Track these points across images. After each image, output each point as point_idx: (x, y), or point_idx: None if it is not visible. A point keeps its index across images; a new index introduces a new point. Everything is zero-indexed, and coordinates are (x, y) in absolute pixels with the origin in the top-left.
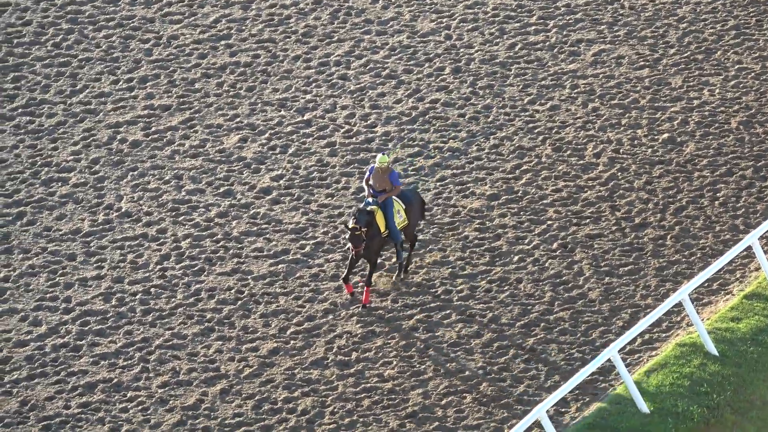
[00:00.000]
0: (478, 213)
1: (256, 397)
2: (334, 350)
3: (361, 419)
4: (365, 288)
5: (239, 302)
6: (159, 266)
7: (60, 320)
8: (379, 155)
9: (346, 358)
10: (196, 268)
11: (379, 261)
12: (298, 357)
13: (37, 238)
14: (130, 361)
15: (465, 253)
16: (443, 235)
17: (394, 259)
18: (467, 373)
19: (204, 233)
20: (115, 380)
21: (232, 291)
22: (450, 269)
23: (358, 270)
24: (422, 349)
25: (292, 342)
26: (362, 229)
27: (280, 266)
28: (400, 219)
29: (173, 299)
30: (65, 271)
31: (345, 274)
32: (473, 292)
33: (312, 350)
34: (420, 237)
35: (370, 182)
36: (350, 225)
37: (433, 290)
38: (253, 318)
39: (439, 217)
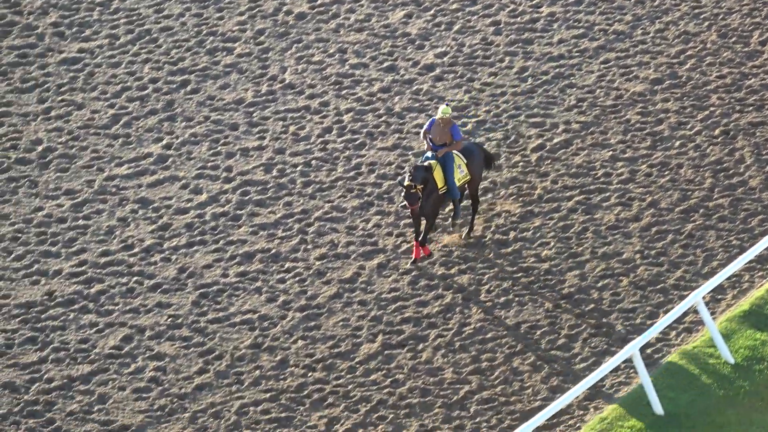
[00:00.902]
0: (641, 97)
1: (413, 273)
2: (492, 228)
3: (516, 299)
4: (415, 243)
5: (399, 178)
6: (320, 139)
7: (220, 189)
8: (442, 106)
9: (504, 237)
10: (357, 142)
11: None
12: (457, 234)
13: (201, 107)
14: (288, 233)
15: (626, 136)
16: (605, 117)
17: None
18: (624, 256)
19: (366, 108)
20: (274, 251)
21: (393, 166)
22: (611, 152)
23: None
24: (580, 231)
25: (451, 219)
26: (418, 187)
27: None
28: (461, 174)
29: (333, 172)
30: (227, 140)
31: (422, 236)
32: (633, 176)
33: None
34: (581, 119)
35: (430, 135)
36: (405, 182)
37: (593, 172)
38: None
39: (601, 99)
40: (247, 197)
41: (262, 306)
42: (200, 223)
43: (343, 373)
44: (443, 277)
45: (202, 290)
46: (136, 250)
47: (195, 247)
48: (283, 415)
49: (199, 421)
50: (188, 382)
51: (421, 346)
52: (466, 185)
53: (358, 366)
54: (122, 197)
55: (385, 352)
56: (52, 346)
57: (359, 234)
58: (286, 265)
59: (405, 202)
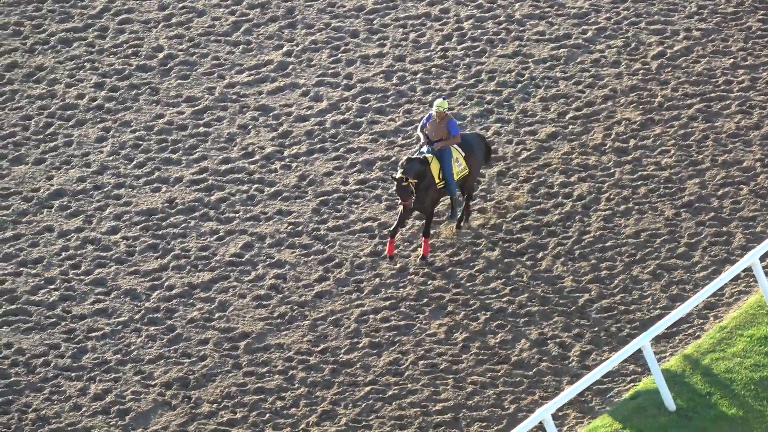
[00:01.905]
0: (762, 4)
1: (533, 181)
2: (612, 136)
3: (636, 207)
4: (423, 239)
5: (519, 85)
6: (440, 46)
7: (341, 96)
8: (438, 100)
9: (624, 145)
10: (477, 50)
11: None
12: (576, 142)
13: (321, 14)
14: (408, 140)
15: (747, 44)
16: (726, 24)
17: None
18: (745, 164)
19: (486, 14)
20: (394, 158)
21: (512, 74)
22: (731, 59)
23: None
24: (700, 139)
25: (570, 127)
26: (411, 180)
27: (561, 50)
28: (459, 168)
29: (453, 80)
30: (347, 47)
31: (392, 227)
32: (754, 83)
33: (590, 136)
34: (702, 26)
35: (426, 130)
36: (397, 175)
37: (714, 80)
38: (533, 102)
39: (722, 6)
40: (367, 105)
41: (381, 214)
42: (320, 131)
43: (462, 281)
44: (563, 185)
45: (322, 198)
46: (256, 157)
47: (315, 155)
48: (402, 323)
49: (319, 328)
50: (308, 289)
51: (540, 255)
52: (466, 179)
53: (477, 274)
54: (243, 104)
55: (505, 260)
56: (173, 253)
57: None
58: None
59: (397, 197)
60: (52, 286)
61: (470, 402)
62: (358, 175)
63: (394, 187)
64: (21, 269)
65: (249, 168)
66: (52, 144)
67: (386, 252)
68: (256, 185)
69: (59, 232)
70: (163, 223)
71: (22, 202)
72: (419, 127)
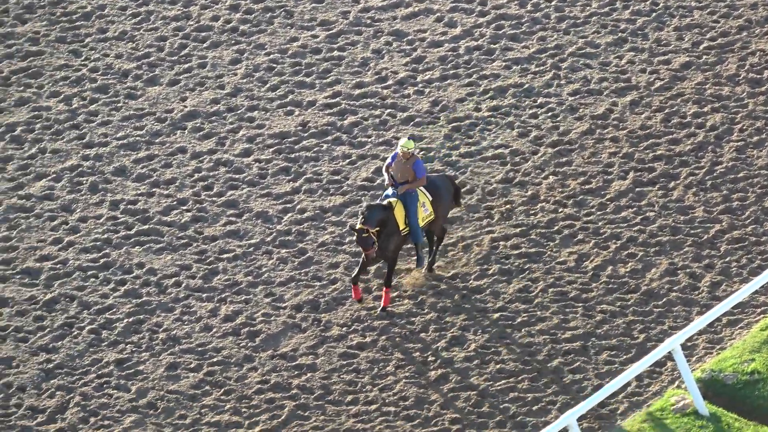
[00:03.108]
0: None
1: (665, 110)
2: (746, 67)
3: None
4: (384, 289)
5: (654, 14)
6: None
7: (474, 23)
8: (403, 139)
9: (758, 76)
10: None
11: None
12: (710, 72)
13: None
14: (542, 68)
15: None
16: None
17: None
18: None
19: None
20: (527, 85)
21: (647, 3)
22: None
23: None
24: None
25: (704, 57)
26: (371, 231)
27: None
28: (425, 213)
29: (588, 8)
30: None
31: (354, 274)
32: None
33: (724, 66)
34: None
35: (392, 171)
36: (357, 226)
37: None
38: (667, 31)
39: None
40: (500, 31)
41: (513, 141)
42: (454, 57)
43: (593, 210)
44: (695, 115)
45: (454, 124)
46: (389, 82)
47: (448, 81)
48: (532, 250)
49: (450, 254)
50: None
51: (672, 184)
52: (433, 223)
53: (608, 203)
54: (377, 29)
55: (636, 189)
56: (305, 176)
57: (612, 70)
58: (539, 100)
59: (359, 246)
60: (185, 207)
61: (599, 330)
62: (490, 101)
63: (354, 237)
64: (154, 190)
65: (382, 93)
66: (186, 65)
67: (352, 297)
68: (388, 110)
69: (192, 153)
70: (296, 147)
71: (155, 123)
72: (384, 166)
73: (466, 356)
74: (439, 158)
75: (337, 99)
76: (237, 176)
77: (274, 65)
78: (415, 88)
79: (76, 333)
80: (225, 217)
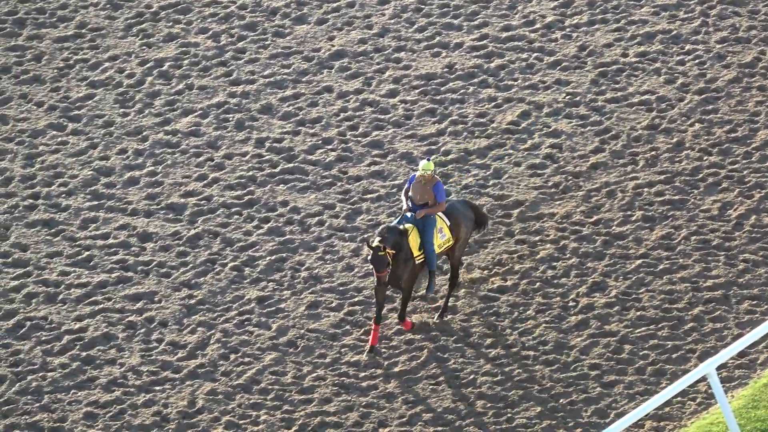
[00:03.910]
0: None
1: None
2: None
3: None
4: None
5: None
6: None
7: None
8: (423, 161)
9: None
10: None
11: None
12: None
13: None
14: (690, 14)
15: None
16: None
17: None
18: None
19: None
20: (675, 32)
21: None
22: None
23: (392, 305)
24: None
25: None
26: (387, 250)
27: None
28: (442, 239)
29: None
30: None
31: (376, 314)
32: None
33: None
34: None
35: (410, 194)
36: (373, 243)
37: None
38: None
39: None
40: None
41: (660, 87)
42: (602, 2)
43: (738, 158)
44: None
45: (601, 69)
46: (537, 26)
47: (596, 26)
48: (676, 197)
49: (593, 199)
50: (583, 160)
51: None
52: (451, 251)
53: (754, 152)
54: None
55: None
56: (450, 118)
57: (761, 19)
58: (687, 47)
59: (371, 267)
60: (330, 147)
61: (741, 280)
62: (638, 47)
63: (369, 257)
64: (299, 128)
65: (529, 36)
66: (334, 5)
67: (369, 342)
68: (535, 54)
69: (338, 92)
70: (442, 89)
71: (303, 62)
72: (403, 190)
73: (606, 302)
74: (585, 104)
75: (484, 41)
76: (382, 117)
77: (422, 6)
78: (563, 33)
79: (218, 270)
80: (369, 157)
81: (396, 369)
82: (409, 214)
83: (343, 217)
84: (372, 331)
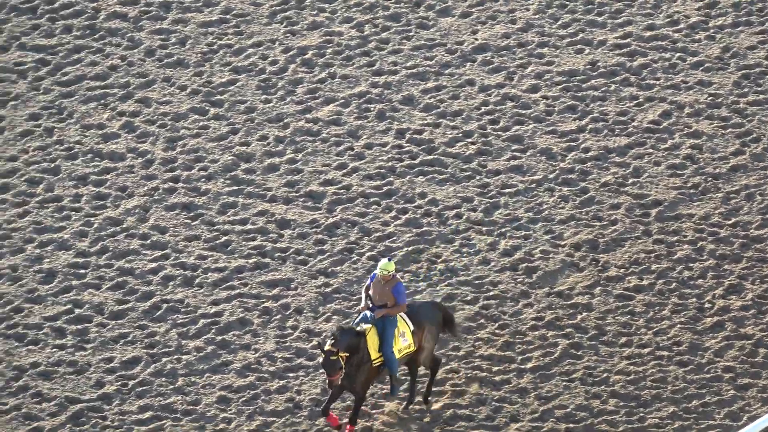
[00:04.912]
0: None
1: None
2: None
3: None
4: (348, 427)
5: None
6: None
7: None
8: (383, 260)
9: None
10: None
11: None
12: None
13: None
14: None
15: None
16: None
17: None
18: None
19: None
20: None
21: None
22: None
23: (346, 399)
24: None
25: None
26: (340, 353)
27: None
28: (403, 344)
29: None
30: None
31: (324, 404)
32: None
33: None
34: None
35: (370, 292)
36: (326, 347)
37: None
38: None
39: None
40: None
41: None
42: (747, 4)
43: None
44: None
45: (744, 71)
46: (681, 26)
47: (740, 27)
48: None
49: (732, 202)
50: (723, 162)
51: None
52: (414, 356)
53: None
54: None
55: None
56: (591, 115)
57: None
58: None
59: (323, 371)
60: (470, 140)
61: None
62: None
63: (320, 360)
64: (440, 120)
65: (673, 36)
66: None
67: (331, 425)
68: (678, 54)
69: (480, 86)
70: (584, 85)
71: (445, 54)
72: (364, 287)
73: (742, 305)
74: (726, 105)
75: (628, 40)
76: (523, 111)
77: (567, 3)
78: (706, 33)
79: (355, 259)
80: (509, 151)
81: (529, 365)
82: (368, 314)
83: (481, 210)
84: (329, 420)
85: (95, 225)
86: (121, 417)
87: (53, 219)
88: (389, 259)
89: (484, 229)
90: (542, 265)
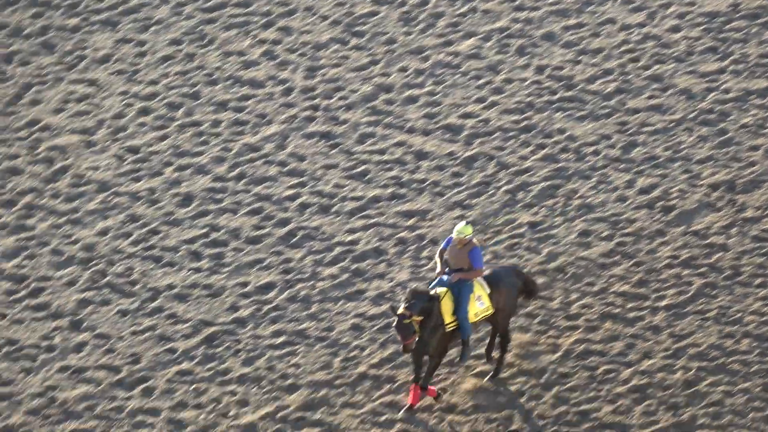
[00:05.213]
0: None
1: None
2: None
3: None
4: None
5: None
6: None
7: None
8: (460, 224)
9: None
10: None
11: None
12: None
13: None
14: None
15: None
16: None
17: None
18: None
19: None
20: None
21: None
22: None
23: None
24: None
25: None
26: (415, 318)
27: None
28: (480, 307)
29: None
30: None
31: (414, 376)
32: None
33: None
34: None
35: (446, 256)
36: (399, 310)
37: None
38: None
39: None
40: None
41: None
42: None
43: None
44: None
45: None
46: None
47: None
48: None
49: None
50: None
51: None
52: (492, 319)
53: None
54: None
55: None
56: (732, 57)
57: None
58: None
59: (397, 335)
60: (610, 77)
61: None
62: None
63: (394, 324)
64: (580, 57)
65: None
66: None
67: (409, 401)
68: None
69: (621, 25)
70: (726, 27)
71: None
72: (438, 251)
73: None
74: None
75: None
76: (664, 51)
77: None
78: None
79: (491, 192)
80: (649, 90)
81: (663, 303)
82: (444, 278)
83: (619, 148)
84: (411, 392)
85: (233, 150)
86: (254, 341)
87: (192, 143)
88: (466, 223)
89: (621, 166)
90: (679, 203)
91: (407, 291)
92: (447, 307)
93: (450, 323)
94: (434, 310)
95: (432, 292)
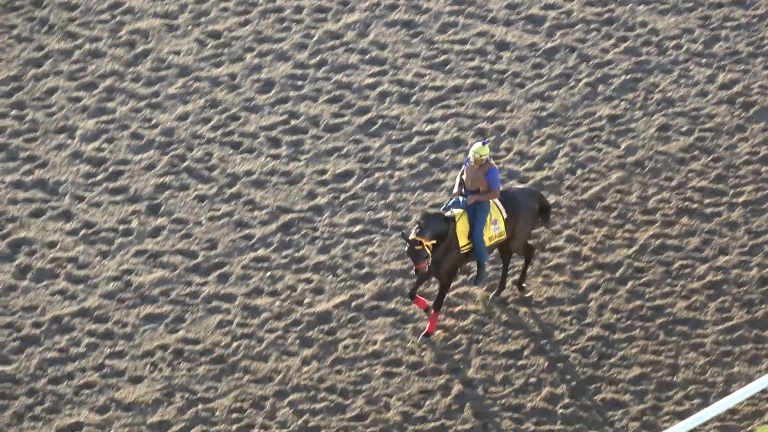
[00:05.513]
0: None
1: None
2: None
3: None
4: (432, 312)
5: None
6: None
7: None
8: (477, 144)
9: None
10: None
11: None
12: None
13: None
14: None
15: None
16: None
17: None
18: None
19: None
20: None
21: None
22: None
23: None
24: None
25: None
26: (425, 243)
27: None
28: (495, 231)
29: None
30: None
31: (411, 288)
32: None
33: None
34: None
35: (464, 177)
36: (410, 236)
37: None
38: None
39: None
40: None
41: None
42: None
43: None
44: None
45: None
46: None
47: None
48: None
49: None
50: None
51: None
52: (506, 244)
53: None
54: None
55: None
56: None
57: None
58: None
59: (409, 259)
60: None
61: None
62: None
63: (406, 249)
64: None
65: None
66: None
67: (426, 329)
68: None
69: None
70: None
71: None
72: (459, 172)
73: None
74: None
75: None
76: None
77: None
78: None
79: (572, 84)
80: None
81: (741, 199)
82: (460, 199)
83: (702, 42)
84: (415, 303)
85: (315, 37)
86: (331, 229)
87: (273, 29)
88: (483, 143)
89: (703, 60)
90: (760, 99)
91: (419, 214)
92: (463, 228)
93: (465, 245)
94: (449, 231)
95: (447, 214)
